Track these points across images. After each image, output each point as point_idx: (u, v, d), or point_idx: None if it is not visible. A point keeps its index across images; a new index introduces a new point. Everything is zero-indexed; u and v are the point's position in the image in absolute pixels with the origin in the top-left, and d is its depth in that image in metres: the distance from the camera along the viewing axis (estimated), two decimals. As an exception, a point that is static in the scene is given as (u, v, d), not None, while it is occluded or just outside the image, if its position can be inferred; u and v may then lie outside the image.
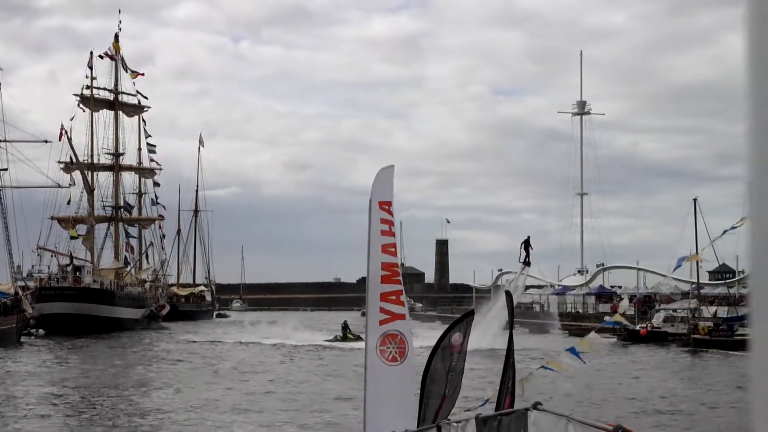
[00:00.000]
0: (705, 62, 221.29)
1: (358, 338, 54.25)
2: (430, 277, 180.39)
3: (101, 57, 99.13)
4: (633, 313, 67.43)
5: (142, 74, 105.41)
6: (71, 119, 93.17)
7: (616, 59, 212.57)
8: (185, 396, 31.31)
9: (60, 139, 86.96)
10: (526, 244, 60.42)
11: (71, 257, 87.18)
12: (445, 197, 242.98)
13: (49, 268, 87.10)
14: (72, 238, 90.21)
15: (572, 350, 12.14)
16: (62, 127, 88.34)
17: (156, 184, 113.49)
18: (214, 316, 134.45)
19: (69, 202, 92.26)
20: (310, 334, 68.82)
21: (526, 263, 61.08)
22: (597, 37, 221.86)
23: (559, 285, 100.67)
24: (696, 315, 61.89)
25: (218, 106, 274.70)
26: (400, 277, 12.14)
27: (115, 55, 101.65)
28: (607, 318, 46.79)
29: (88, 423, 24.83)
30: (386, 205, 12.15)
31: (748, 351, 1.18)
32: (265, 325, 78.86)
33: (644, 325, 64.95)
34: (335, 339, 64.05)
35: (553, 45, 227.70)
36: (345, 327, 66.42)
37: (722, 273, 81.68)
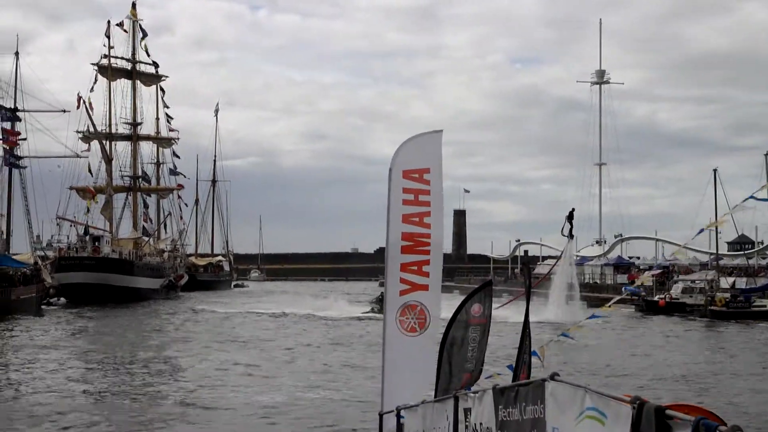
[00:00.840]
0: (722, 31, 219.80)
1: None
2: (447, 247, 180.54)
3: (118, 26, 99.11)
4: (651, 284, 67.25)
5: (146, 34, 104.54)
6: (90, 90, 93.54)
7: (632, 27, 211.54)
8: (208, 364, 31.54)
9: (78, 108, 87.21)
10: (570, 216, 60.87)
11: (86, 228, 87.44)
12: (462, 167, 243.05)
13: (68, 238, 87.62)
14: (87, 210, 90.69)
15: (593, 317, 12.09)
16: (79, 96, 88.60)
17: (174, 154, 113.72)
18: (232, 286, 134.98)
19: (90, 172, 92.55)
20: (350, 306, 68.38)
21: (570, 236, 61.69)
22: (614, 5, 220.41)
23: (577, 256, 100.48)
24: (713, 286, 61.76)
25: (236, 75, 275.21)
26: (428, 248, 11.91)
27: (132, 23, 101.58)
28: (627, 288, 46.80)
29: (107, 392, 25.03)
30: (416, 173, 11.88)
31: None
32: (308, 297, 77.31)
33: (663, 296, 64.85)
34: (372, 311, 63.70)
35: (570, 12, 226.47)
36: (381, 299, 66.28)
37: (741, 243, 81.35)
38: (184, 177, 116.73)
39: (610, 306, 12.72)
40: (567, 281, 62.30)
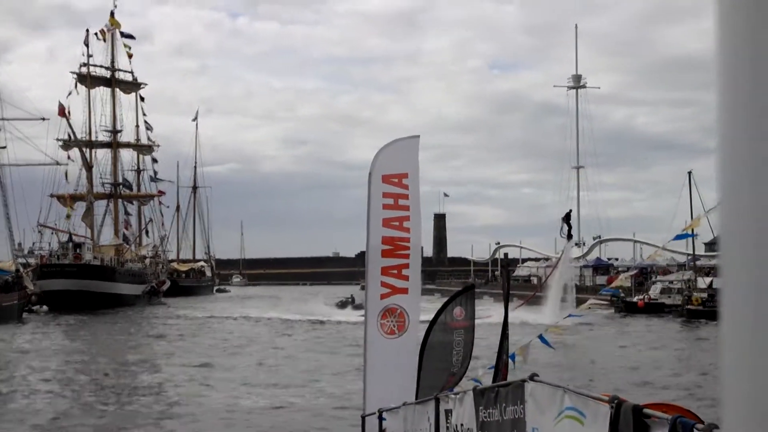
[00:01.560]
0: (697, 34, 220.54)
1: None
2: (428, 250, 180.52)
3: (96, 35, 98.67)
4: (630, 285, 67.54)
5: (133, 38, 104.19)
6: (67, 96, 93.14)
7: (610, 32, 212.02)
8: (189, 369, 31.49)
9: (61, 115, 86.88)
10: (567, 217, 61.18)
11: (70, 234, 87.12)
12: (442, 170, 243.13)
13: (49, 245, 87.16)
14: (67, 216, 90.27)
15: (570, 316, 12.20)
16: (60, 104, 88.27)
17: (154, 161, 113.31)
18: (214, 291, 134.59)
19: (67, 178, 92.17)
20: (329, 309, 69.10)
21: (569, 236, 62.08)
22: (592, 10, 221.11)
23: (556, 258, 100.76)
24: (690, 286, 62.15)
25: (216, 83, 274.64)
26: (407, 252, 11.98)
27: (110, 31, 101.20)
28: (604, 290, 47.01)
29: (89, 398, 24.98)
30: (395, 178, 11.97)
31: (719, 341, 1.28)
32: (289, 301, 77.54)
33: (641, 296, 65.21)
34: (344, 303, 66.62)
35: (550, 18, 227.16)
36: (346, 301, 68.09)
37: (718, 244, 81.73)
38: (169, 182, 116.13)
39: (589, 307, 12.84)
40: (567, 283, 62.54)
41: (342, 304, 70.38)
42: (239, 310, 72.75)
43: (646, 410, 4.75)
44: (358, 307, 66.18)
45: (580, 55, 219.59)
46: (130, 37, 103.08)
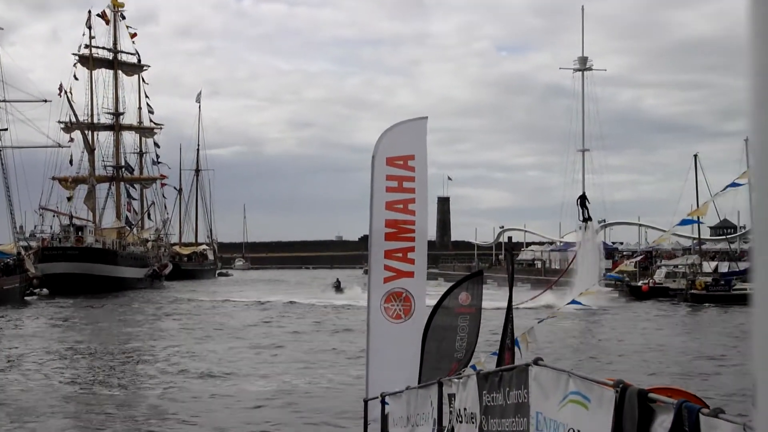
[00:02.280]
0: (707, 17, 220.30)
1: None
2: (431, 234, 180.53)
3: (99, 16, 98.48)
4: (635, 269, 67.56)
5: (134, 35, 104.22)
6: (71, 80, 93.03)
7: (619, 14, 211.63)
8: (193, 353, 31.50)
9: (60, 96, 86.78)
10: (582, 200, 61.00)
11: (71, 217, 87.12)
12: (447, 154, 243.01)
13: (51, 228, 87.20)
14: (68, 199, 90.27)
15: (572, 302, 12.12)
16: (61, 85, 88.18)
17: (156, 145, 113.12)
18: (216, 275, 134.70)
19: (71, 162, 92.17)
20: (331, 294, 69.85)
21: (587, 219, 61.95)
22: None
23: (560, 241, 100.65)
24: (695, 270, 62.15)
25: (221, 65, 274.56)
26: (413, 235, 11.88)
27: (114, 13, 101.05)
28: (608, 275, 46.92)
29: (90, 382, 24.98)
30: (400, 160, 11.85)
31: (750, 311, 1.19)
32: (291, 285, 78.33)
33: (646, 281, 65.20)
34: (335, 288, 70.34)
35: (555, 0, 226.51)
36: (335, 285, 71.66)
37: (723, 228, 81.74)
38: (168, 168, 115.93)
39: (592, 292, 12.74)
40: (594, 265, 61.94)
41: (336, 288, 73.62)
42: (241, 294, 72.84)
43: (652, 395, 4.68)
44: (340, 291, 70.99)
45: (589, 38, 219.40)
46: (127, 24, 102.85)
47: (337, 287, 74.14)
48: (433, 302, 11.00)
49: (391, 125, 12.18)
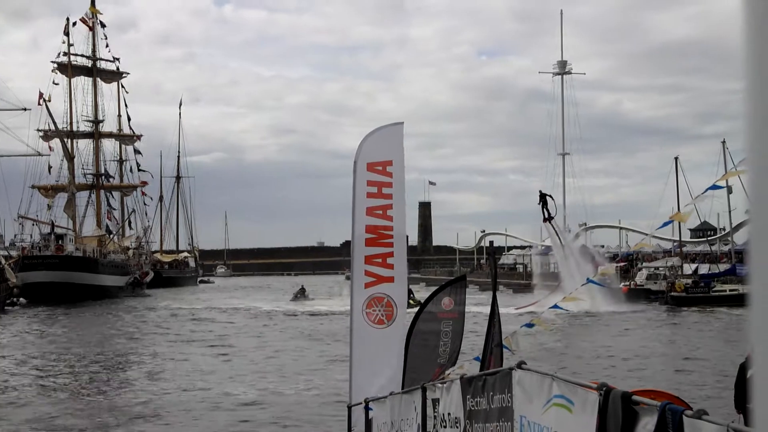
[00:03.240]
0: (686, 19, 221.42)
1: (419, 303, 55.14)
2: (413, 239, 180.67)
3: (74, 24, 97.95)
4: (614, 272, 67.79)
5: (104, 25, 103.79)
6: (49, 86, 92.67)
7: (599, 17, 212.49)
8: (175, 361, 31.38)
9: (39, 104, 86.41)
10: (542, 201, 60.85)
11: (53, 225, 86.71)
12: (428, 159, 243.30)
13: (31, 237, 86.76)
14: (48, 207, 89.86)
15: (554, 307, 12.12)
16: (40, 93, 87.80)
17: (137, 152, 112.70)
18: (198, 282, 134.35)
19: (50, 171, 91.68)
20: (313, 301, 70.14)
21: (549, 218, 61.67)
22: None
23: (542, 245, 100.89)
24: (675, 272, 62.40)
25: (202, 71, 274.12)
26: (391, 240, 11.89)
27: (92, 20, 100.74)
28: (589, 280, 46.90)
29: (71, 391, 24.86)
30: (380, 166, 11.86)
31: (747, 317, 1.19)
32: (272, 292, 78.30)
33: (626, 283, 65.37)
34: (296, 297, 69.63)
35: (536, 4, 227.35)
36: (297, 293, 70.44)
37: (704, 230, 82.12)
38: (151, 176, 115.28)
39: (575, 298, 12.75)
40: (576, 265, 60.88)
41: (295, 297, 71.84)
42: (222, 301, 73.00)
43: (635, 397, 4.70)
44: (305, 298, 69.92)
45: (569, 42, 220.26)
46: (102, 25, 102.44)
47: (301, 294, 72.51)
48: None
49: (370, 131, 12.20)
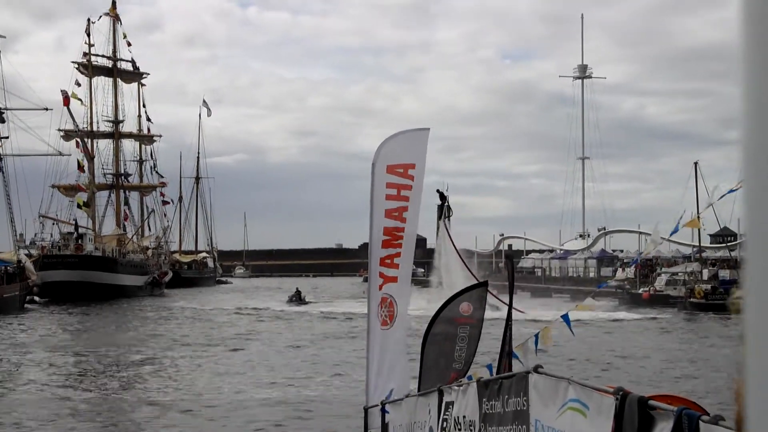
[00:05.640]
0: (711, 24, 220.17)
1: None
2: (432, 242, 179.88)
3: (93, 22, 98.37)
4: (634, 277, 67.56)
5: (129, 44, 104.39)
6: (71, 87, 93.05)
7: (623, 22, 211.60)
8: (194, 361, 31.47)
9: (65, 105, 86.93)
10: (441, 198, 60.54)
11: (76, 225, 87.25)
12: (450, 162, 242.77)
13: (51, 236, 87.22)
14: (79, 207, 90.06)
15: (566, 318, 12.00)
16: (63, 93, 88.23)
17: (153, 155, 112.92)
18: (216, 282, 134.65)
19: (82, 168, 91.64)
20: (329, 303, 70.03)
21: (445, 216, 61.17)
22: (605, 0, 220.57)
23: (560, 249, 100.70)
24: (695, 278, 62.08)
25: (225, 73, 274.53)
26: (401, 241, 11.91)
27: (113, 20, 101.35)
28: (608, 282, 46.81)
29: (88, 391, 24.96)
30: (401, 168, 11.89)
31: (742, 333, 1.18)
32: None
33: (647, 288, 65.08)
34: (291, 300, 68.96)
35: (562, 8, 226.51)
36: (293, 297, 69.55)
37: (724, 236, 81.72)
38: (161, 177, 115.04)
39: (591, 307, 12.61)
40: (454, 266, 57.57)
41: (290, 300, 70.63)
42: (240, 301, 73.25)
43: (652, 402, 4.68)
44: (296, 302, 68.58)
45: (594, 45, 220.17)
46: (124, 32, 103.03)
47: (297, 298, 70.56)
48: (434, 307, 10.97)
49: (393, 133, 12.23)
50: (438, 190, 62.81)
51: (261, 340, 40.26)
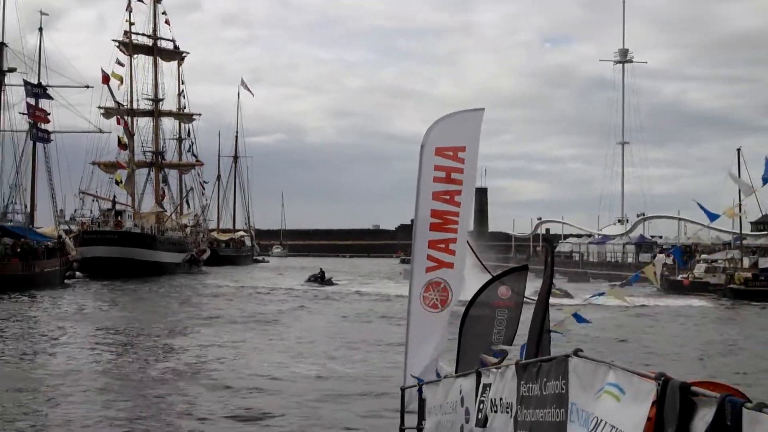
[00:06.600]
0: (753, 11, 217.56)
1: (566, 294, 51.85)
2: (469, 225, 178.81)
3: (134, 1, 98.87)
4: (672, 264, 66.99)
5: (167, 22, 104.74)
6: (111, 65, 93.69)
7: (666, 7, 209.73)
8: (232, 337, 31.67)
9: (105, 83, 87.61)
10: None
11: (114, 201, 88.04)
12: (488, 146, 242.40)
13: (91, 212, 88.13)
14: (117, 183, 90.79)
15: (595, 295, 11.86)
16: (104, 72, 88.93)
17: (191, 135, 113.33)
18: (253, 261, 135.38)
19: (124, 146, 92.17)
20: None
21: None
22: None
23: (599, 234, 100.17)
24: (734, 265, 61.51)
25: (264, 53, 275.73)
26: (456, 227, 11.83)
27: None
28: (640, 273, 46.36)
29: (130, 362, 25.18)
30: (450, 151, 11.73)
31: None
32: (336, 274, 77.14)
33: (686, 275, 64.56)
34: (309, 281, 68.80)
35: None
36: (315, 277, 68.91)
37: (765, 223, 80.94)
38: (195, 158, 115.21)
39: (621, 295, 12.42)
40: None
41: (309, 280, 69.96)
42: (278, 280, 73.66)
43: (694, 388, 4.62)
44: (318, 282, 68.15)
45: (635, 31, 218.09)
46: (162, 11, 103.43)
47: (320, 278, 69.46)
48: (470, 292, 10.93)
49: (434, 115, 12.13)
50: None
51: (297, 317, 40.44)
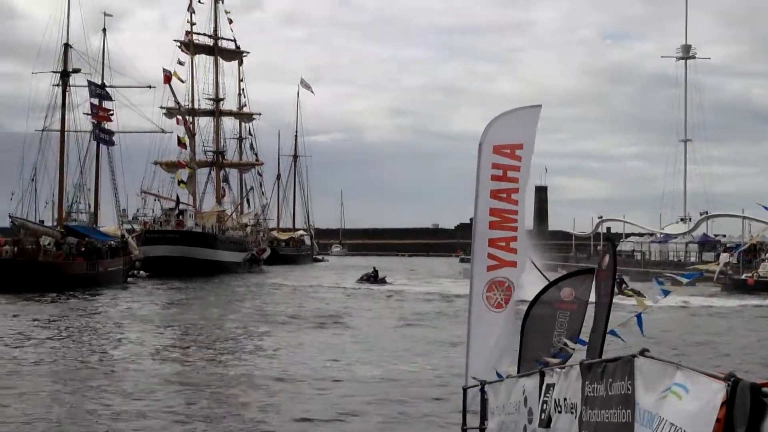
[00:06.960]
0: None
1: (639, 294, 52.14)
2: (529, 223, 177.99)
3: (196, 1, 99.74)
4: (736, 262, 65.89)
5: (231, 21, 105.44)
6: (173, 65, 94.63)
7: (729, 2, 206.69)
8: (295, 337, 31.83)
9: (167, 83, 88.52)
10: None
11: (177, 201, 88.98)
12: (547, 143, 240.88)
13: (153, 212, 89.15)
14: (179, 183, 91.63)
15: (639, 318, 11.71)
16: (164, 71, 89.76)
17: (251, 134, 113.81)
18: (313, 260, 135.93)
19: (186, 146, 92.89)
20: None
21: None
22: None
23: (660, 233, 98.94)
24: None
25: (323, 52, 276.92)
26: (516, 225, 11.75)
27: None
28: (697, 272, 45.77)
29: (193, 361, 25.41)
30: (507, 149, 11.67)
31: None
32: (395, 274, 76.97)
33: (750, 274, 63.49)
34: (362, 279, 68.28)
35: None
36: (368, 276, 68.40)
37: None
38: (256, 157, 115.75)
39: (678, 290, 12.26)
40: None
41: (361, 279, 69.43)
42: (339, 279, 73.98)
43: (765, 389, 4.55)
44: (371, 281, 67.83)
45: (697, 26, 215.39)
46: (225, 9, 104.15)
47: (373, 278, 68.87)
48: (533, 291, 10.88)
49: (492, 113, 12.08)
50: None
51: (356, 317, 40.51)
